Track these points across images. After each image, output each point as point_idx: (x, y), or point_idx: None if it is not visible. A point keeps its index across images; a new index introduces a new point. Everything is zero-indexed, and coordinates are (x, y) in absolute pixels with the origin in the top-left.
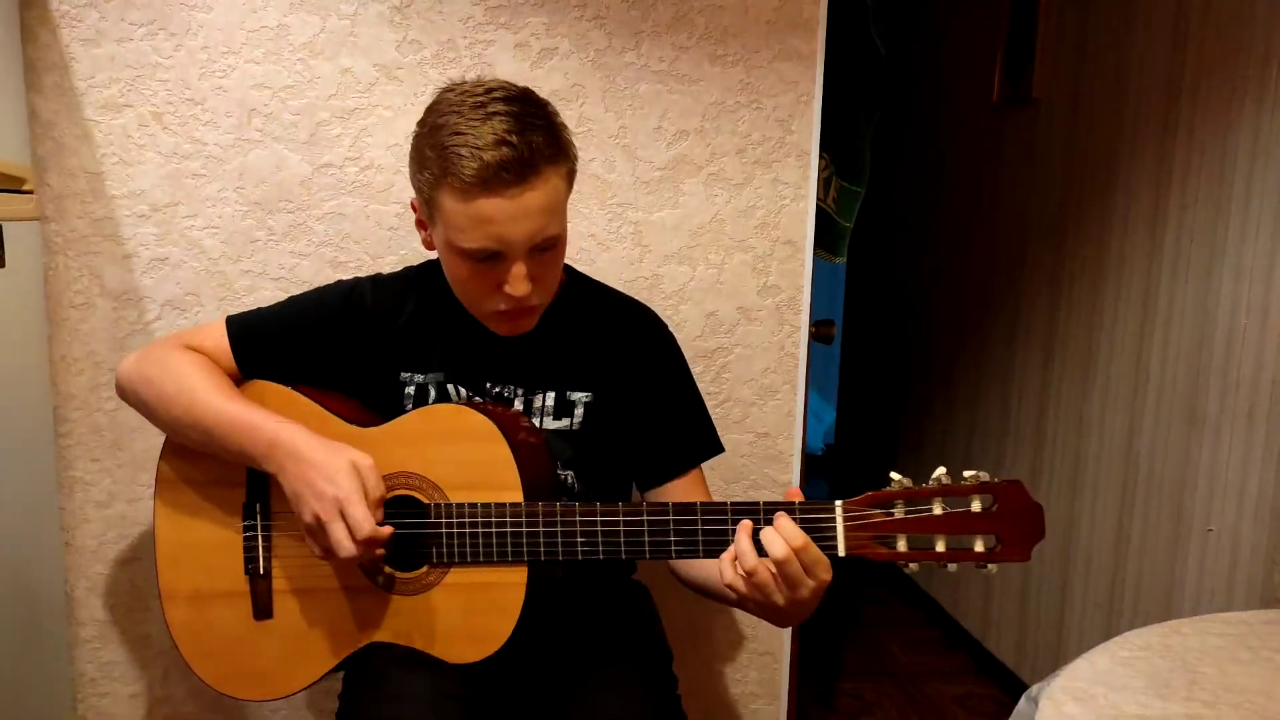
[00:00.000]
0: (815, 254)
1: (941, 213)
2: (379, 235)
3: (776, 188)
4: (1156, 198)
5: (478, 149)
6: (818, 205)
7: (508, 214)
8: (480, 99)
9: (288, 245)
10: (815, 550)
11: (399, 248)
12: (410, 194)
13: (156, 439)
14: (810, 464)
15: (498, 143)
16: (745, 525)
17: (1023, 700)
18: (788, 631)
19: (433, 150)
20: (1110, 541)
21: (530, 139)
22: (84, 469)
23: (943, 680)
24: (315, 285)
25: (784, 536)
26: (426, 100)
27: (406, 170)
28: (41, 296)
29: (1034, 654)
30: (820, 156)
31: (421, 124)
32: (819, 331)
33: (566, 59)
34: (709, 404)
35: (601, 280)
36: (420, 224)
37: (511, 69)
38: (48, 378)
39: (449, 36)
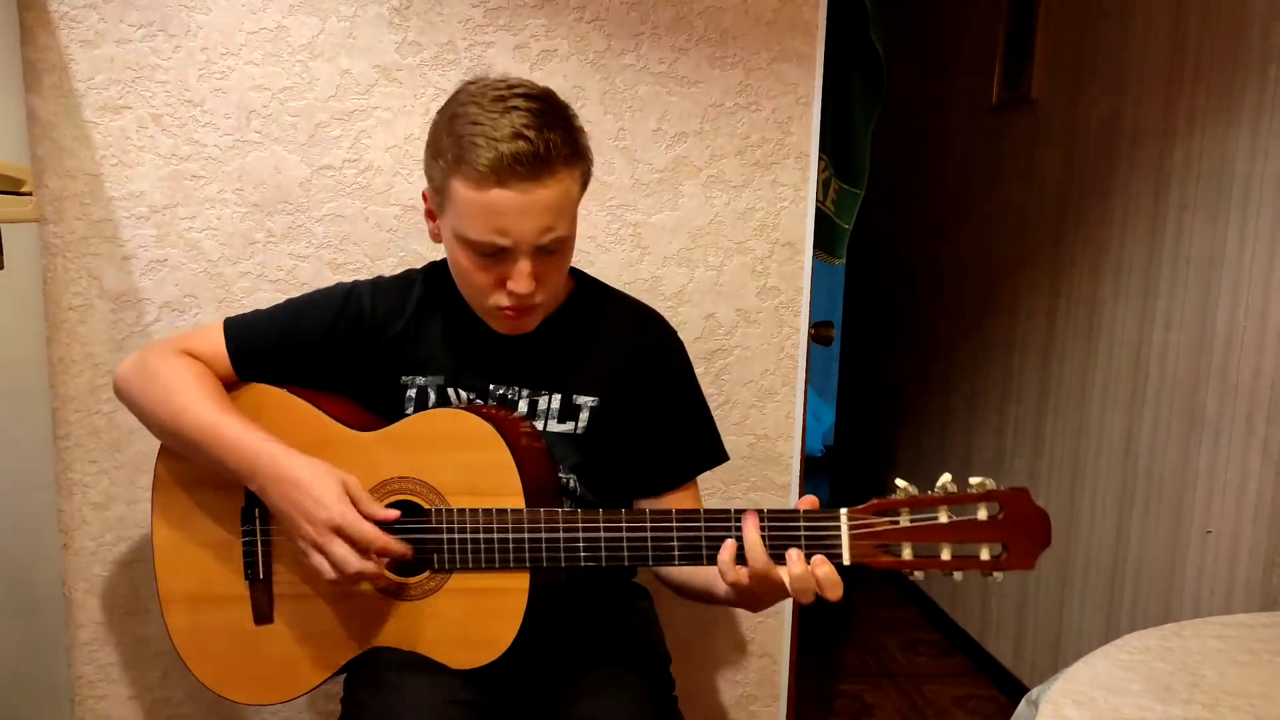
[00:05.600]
0: (814, 256)
1: (940, 214)
2: (378, 237)
3: (776, 189)
4: (1155, 199)
5: (494, 140)
6: (817, 207)
7: (517, 208)
8: (501, 93)
9: (286, 247)
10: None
11: (398, 250)
12: (416, 194)
13: (155, 440)
14: (810, 465)
15: (514, 135)
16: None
17: (1023, 704)
18: (787, 634)
19: (449, 137)
20: (1109, 543)
21: (548, 136)
22: (82, 471)
23: (942, 682)
24: (314, 287)
25: (791, 572)
26: (426, 102)
27: (405, 172)
28: (40, 298)
29: (1033, 655)
30: (819, 158)
31: (440, 113)
32: (818, 333)
33: (566, 61)
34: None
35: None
36: (429, 214)
37: (511, 70)
38: (46, 380)
39: (448, 38)
